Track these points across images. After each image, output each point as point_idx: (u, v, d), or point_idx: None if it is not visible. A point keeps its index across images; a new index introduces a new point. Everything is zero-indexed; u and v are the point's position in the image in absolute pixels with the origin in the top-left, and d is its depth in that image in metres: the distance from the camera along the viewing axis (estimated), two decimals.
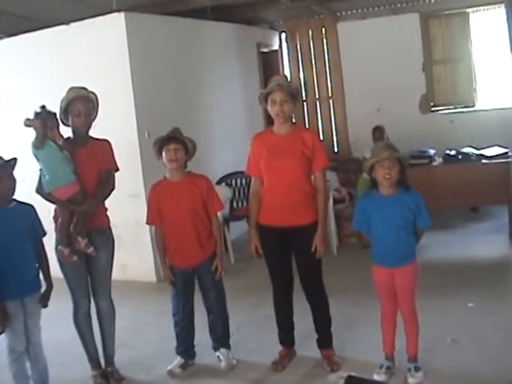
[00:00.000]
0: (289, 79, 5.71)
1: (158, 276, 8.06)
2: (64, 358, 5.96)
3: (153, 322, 6.95)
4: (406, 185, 4.96)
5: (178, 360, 5.72)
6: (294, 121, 5.45)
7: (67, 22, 8.59)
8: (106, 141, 5.51)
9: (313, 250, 5.24)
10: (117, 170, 5.53)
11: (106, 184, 5.39)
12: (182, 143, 5.37)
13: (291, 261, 5.44)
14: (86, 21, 8.39)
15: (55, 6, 9.88)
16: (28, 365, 5.11)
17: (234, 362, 5.70)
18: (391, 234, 4.90)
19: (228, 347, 5.75)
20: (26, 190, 5.05)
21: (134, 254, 7.71)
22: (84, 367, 5.68)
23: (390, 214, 4.90)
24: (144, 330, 6.75)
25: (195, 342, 5.79)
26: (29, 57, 8.99)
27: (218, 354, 5.73)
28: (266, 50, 12.33)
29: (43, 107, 5.16)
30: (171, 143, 5.33)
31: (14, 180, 4.86)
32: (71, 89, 5.38)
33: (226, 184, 9.22)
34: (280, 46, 12.92)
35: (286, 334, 5.66)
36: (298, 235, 5.28)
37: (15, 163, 4.88)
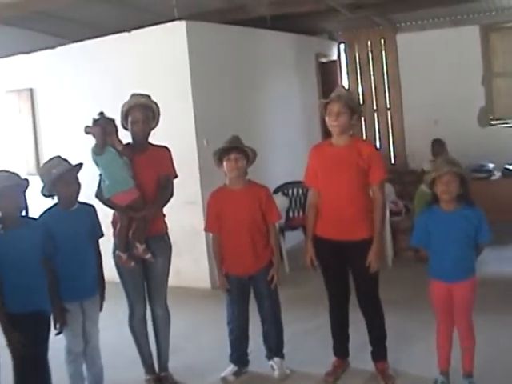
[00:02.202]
0: (351, 92, 5.67)
1: (212, 283, 8.10)
2: (118, 361, 6.00)
3: (207, 328, 6.98)
4: (467, 200, 4.89)
5: (232, 367, 5.73)
6: (352, 132, 5.36)
7: (129, 30, 8.70)
8: (166, 148, 5.56)
9: (367, 265, 5.20)
10: (175, 176, 5.56)
11: (164, 191, 5.43)
12: (242, 152, 5.39)
13: (347, 273, 5.40)
14: (147, 28, 8.51)
15: (116, 14, 10.01)
16: (84, 366, 5.19)
17: (288, 371, 5.68)
18: (452, 249, 4.82)
19: (282, 356, 5.73)
20: (84, 194, 5.11)
21: (189, 261, 7.76)
22: (138, 371, 5.73)
23: (451, 229, 4.83)
24: (198, 337, 6.78)
25: (249, 350, 5.79)
26: (90, 63, 9.16)
27: (271, 363, 5.72)
28: (324, 60, 12.32)
29: (102, 113, 5.23)
30: (232, 153, 5.35)
31: (79, 184, 4.95)
32: (133, 95, 5.44)
33: (283, 193, 9.22)
34: (339, 56, 12.91)
35: (341, 345, 5.62)
36: (352, 249, 5.24)
37: (80, 168, 4.96)
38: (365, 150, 5.26)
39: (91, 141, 5.22)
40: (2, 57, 10.18)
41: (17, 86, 10.06)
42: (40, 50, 9.79)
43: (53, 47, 9.72)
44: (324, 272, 5.47)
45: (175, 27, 8.33)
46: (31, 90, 9.92)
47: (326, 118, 5.25)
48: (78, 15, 10.28)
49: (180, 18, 8.50)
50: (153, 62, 8.44)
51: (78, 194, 4.97)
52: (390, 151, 12.72)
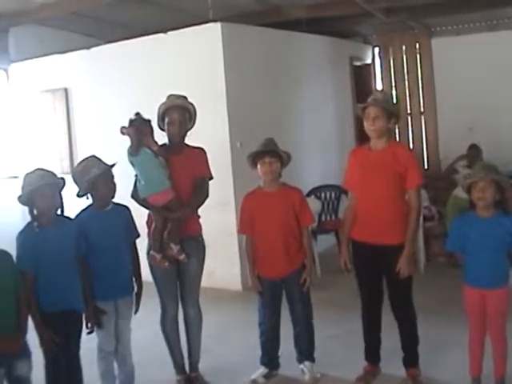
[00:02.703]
0: (388, 95, 5.65)
1: (244, 285, 8.11)
2: (149, 361, 6.02)
3: (238, 330, 6.99)
4: (504, 207, 4.84)
5: (262, 370, 5.72)
6: (391, 137, 5.34)
7: (164, 31, 8.73)
8: (202, 149, 5.57)
9: (397, 270, 5.16)
10: (211, 178, 5.57)
11: (200, 192, 5.44)
12: (277, 156, 5.38)
13: (381, 277, 5.37)
14: (182, 30, 8.55)
15: (151, 15, 10.09)
16: (115, 365, 5.22)
17: (318, 375, 5.66)
18: (487, 256, 4.77)
19: (312, 360, 5.70)
20: (118, 194, 5.14)
21: (221, 262, 7.77)
22: (169, 371, 5.74)
23: (487, 236, 4.78)
24: (229, 338, 6.79)
25: (280, 353, 5.77)
26: (125, 64, 9.21)
27: (302, 366, 5.70)
28: (358, 63, 12.30)
29: (138, 114, 5.25)
30: (266, 156, 5.34)
31: (114, 184, 4.97)
32: (169, 96, 5.46)
33: (316, 197, 9.20)
34: (373, 60, 12.87)
35: (372, 350, 5.59)
36: (387, 253, 5.20)
37: (112, 167, 4.98)
38: (402, 154, 5.24)
39: (125, 140, 5.25)
40: (38, 56, 10.26)
41: (52, 86, 10.14)
42: (75, 50, 9.85)
43: (88, 47, 9.77)
44: (358, 276, 5.44)
45: (210, 29, 8.34)
46: (66, 89, 9.99)
47: (364, 122, 5.24)
48: (112, 16, 10.40)
49: (215, 20, 8.52)
50: (188, 64, 8.47)
51: (114, 193, 5.00)
52: (423, 156, 12.65)
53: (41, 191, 4.52)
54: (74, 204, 4.90)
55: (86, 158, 5.02)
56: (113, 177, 4.97)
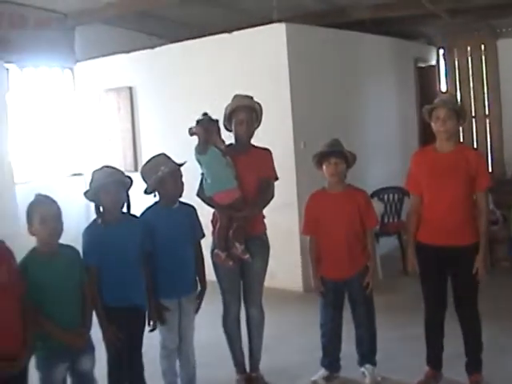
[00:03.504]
0: (454, 97, 5.59)
1: (305, 286, 8.09)
2: (210, 359, 6.02)
3: (299, 331, 6.97)
4: None
5: (323, 372, 5.70)
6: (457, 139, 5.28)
7: (229, 31, 8.76)
8: (267, 150, 5.58)
9: (474, 272, 5.11)
10: (276, 178, 5.58)
11: (265, 192, 5.44)
12: (342, 156, 5.35)
13: (447, 281, 5.31)
14: (247, 30, 8.56)
15: (215, 14, 10.13)
16: (177, 363, 5.24)
17: (379, 378, 5.62)
18: None
19: (374, 363, 5.66)
20: (185, 192, 5.15)
21: (283, 263, 7.74)
22: (229, 370, 5.77)
23: None
24: (290, 339, 6.77)
25: (341, 355, 5.73)
26: (189, 63, 9.28)
27: (363, 369, 5.66)
28: (422, 65, 12.16)
29: (206, 114, 5.28)
30: (332, 157, 5.32)
31: (182, 183, 5.01)
32: (236, 96, 5.48)
33: (378, 199, 9.12)
34: (437, 61, 12.71)
35: (435, 355, 5.51)
36: (456, 256, 5.16)
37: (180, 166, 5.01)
38: (473, 157, 5.21)
39: (189, 139, 5.30)
40: (103, 56, 10.39)
41: (117, 85, 10.26)
42: (139, 49, 9.94)
43: (152, 47, 9.85)
44: (423, 279, 5.39)
45: (275, 29, 8.35)
46: (130, 88, 10.10)
47: (432, 124, 5.19)
48: (177, 15, 10.48)
49: (280, 20, 8.52)
50: (252, 64, 8.49)
51: (182, 192, 5.04)
52: (487, 159, 12.44)
53: (106, 188, 4.58)
54: (141, 202, 4.96)
55: (156, 156, 5.06)
56: (181, 176, 5.01)
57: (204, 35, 9.10)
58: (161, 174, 4.89)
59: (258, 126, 5.51)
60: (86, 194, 4.69)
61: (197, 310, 5.23)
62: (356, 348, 5.71)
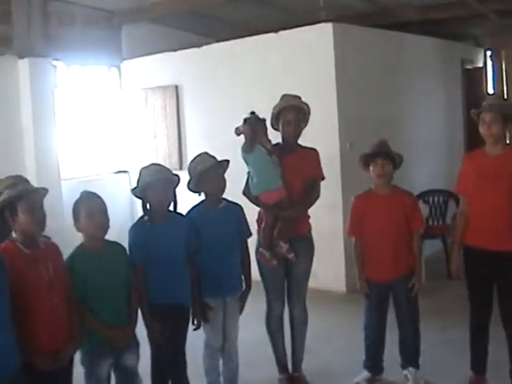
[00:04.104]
0: (502, 100, 5.52)
1: (348, 287, 8.10)
2: (252, 358, 6.03)
3: (341, 332, 6.95)
4: None
5: (365, 373, 5.67)
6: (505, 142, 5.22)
7: (275, 30, 8.77)
8: (314, 150, 5.57)
9: None
10: (323, 178, 5.57)
11: (311, 192, 5.44)
12: (389, 158, 5.32)
13: (493, 285, 5.24)
14: (293, 30, 8.57)
15: (261, 14, 10.15)
16: (220, 362, 5.25)
17: (422, 382, 5.57)
18: None
19: (417, 366, 5.61)
20: (231, 192, 5.18)
21: (326, 264, 7.72)
22: (271, 370, 5.78)
23: None
24: (332, 340, 6.76)
25: (384, 357, 5.70)
26: (235, 63, 9.31)
27: (405, 372, 5.62)
28: (469, 66, 12.05)
29: (253, 113, 5.28)
30: (379, 158, 5.29)
31: (224, 181, 5.01)
32: (284, 96, 5.48)
33: (423, 201, 9.05)
34: (485, 63, 12.59)
35: (479, 361, 5.44)
36: (503, 260, 5.08)
37: (227, 165, 5.03)
38: None
39: (235, 138, 5.32)
40: (150, 54, 10.46)
41: (163, 83, 10.32)
42: (186, 48, 9.99)
43: (198, 46, 9.89)
44: (470, 283, 5.32)
45: (322, 29, 8.34)
46: (177, 86, 10.15)
47: (479, 128, 5.13)
48: (223, 15, 10.51)
49: (326, 20, 8.50)
50: (298, 64, 8.49)
51: (222, 191, 5.03)
52: None
53: (154, 186, 4.60)
54: (188, 200, 4.99)
55: (199, 155, 5.08)
56: (223, 173, 5.02)
57: (250, 35, 9.12)
58: (200, 169, 4.92)
59: (305, 126, 5.50)
60: (133, 190, 4.73)
61: (241, 310, 5.24)
62: (399, 351, 5.67)
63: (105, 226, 4.27)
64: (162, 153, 10.32)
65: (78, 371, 4.28)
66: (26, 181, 4.05)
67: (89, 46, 10.50)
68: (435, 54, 10.74)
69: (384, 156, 5.29)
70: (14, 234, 3.94)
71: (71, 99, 10.61)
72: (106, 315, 4.24)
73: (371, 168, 5.33)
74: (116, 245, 4.45)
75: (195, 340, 5.10)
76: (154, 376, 4.80)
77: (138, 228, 4.74)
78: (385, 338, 5.65)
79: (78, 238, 4.37)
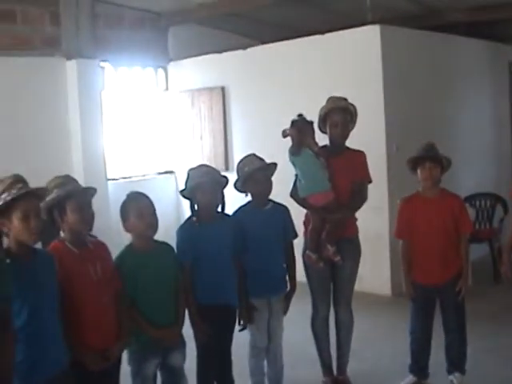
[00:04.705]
0: None
1: (393, 290, 8.07)
2: (297, 360, 6.03)
3: (386, 336, 6.92)
4: None
5: (410, 378, 5.63)
6: None
7: (322, 32, 8.75)
8: (361, 152, 5.55)
9: None
10: (370, 181, 5.54)
11: (359, 195, 5.42)
12: (437, 161, 5.28)
13: None
14: (341, 31, 8.57)
15: (307, 16, 10.12)
16: (265, 363, 5.26)
17: None
18: None
19: (463, 372, 5.55)
20: (278, 193, 5.19)
21: (371, 266, 7.69)
22: (316, 372, 5.77)
23: None
24: (377, 343, 6.73)
25: (429, 362, 5.64)
26: (281, 64, 9.32)
27: (451, 377, 5.56)
28: None
29: (300, 115, 5.28)
30: (427, 161, 5.25)
31: (270, 183, 5.02)
32: (331, 98, 5.47)
33: (470, 205, 8.98)
34: None
35: None
36: None
37: (275, 168, 5.04)
38: None
39: (281, 140, 5.31)
40: (196, 55, 10.51)
41: (209, 84, 10.37)
42: (231, 49, 10.03)
43: (244, 48, 9.91)
44: None
45: (369, 31, 8.31)
46: (223, 88, 10.19)
47: None
48: (269, 17, 10.51)
49: (373, 22, 8.46)
50: (345, 66, 8.48)
51: (268, 193, 5.05)
52: None
53: (202, 187, 4.62)
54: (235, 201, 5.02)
55: (247, 156, 5.09)
56: (269, 176, 5.03)
57: (295, 36, 9.12)
58: (247, 170, 4.94)
59: (353, 128, 5.48)
60: (182, 192, 4.76)
61: (286, 311, 5.25)
62: (445, 355, 5.61)
63: (154, 225, 4.29)
64: (207, 154, 10.37)
65: (125, 370, 4.32)
66: (75, 180, 4.10)
67: (136, 47, 10.59)
68: (483, 57, 10.63)
69: (432, 159, 5.25)
70: (62, 234, 3.99)
71: (118, 100, 10.71)
72: (153, 315, 4.27)
73: (419, 171, 5.29)
74: (164, 245, 4.47)
75: (241, 340, 5.12)
76: (199, 376, 4.83)
77: (186, 229, 4.76)
78: (431, 343, 5.59)
79: (123, 238, 4.42)
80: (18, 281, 3.41)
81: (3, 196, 3.47)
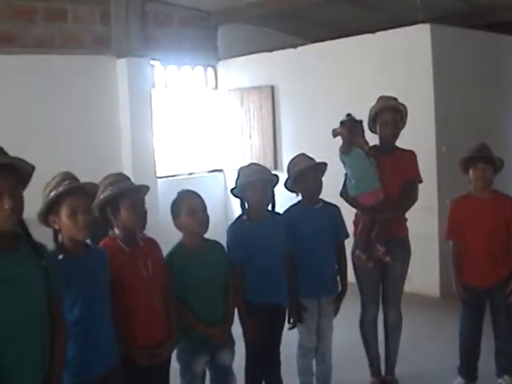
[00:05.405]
0: None
1: (442, 291, 8.00)
2: (345, 360, 5.99)
3: (434, 337, 6.85)
4: None
5: (459, 380, 5.58)
6: None
7: (372, 31, 8.71)
8: (412, 152, 5.53)
9: None
10: (420, 181, 5.51)
11: (409, 194, 5.40)
12: (490, 161, 5.22)
13: None
14: (391, 30, 8.51)
15: (356, 15, 10.09)
16: (314, 362, 5.26)
17: None
18: None
19: None
20: (328, 192, 5.18)
21: (420, 267, 7.56)
22: (363, 372, 5.75)
23: None
24: (425, 345, 6.66)
25: (478, 364, 5.58)
26: (331, 63, 9.31)
27: (500, 380, 5.51)
28: None
29: (349, 115, 5.28)
30: (479, 162, 5.20)
31: (320, 183, 5.02)
32: (381, 98, 5.46)
33: None
34: None
35: None
36: None
37: (325, 167, 5.03)
38: None
39: (331, 139, 5.32)
40: (245, 54, 10.56)
41: (259, 83, 10.41)
42: (280, 48, 10.05)
43: (293, 46, 9.91)
44: None
45: (420, 30, 8.26)
46: (272, 87, 10.22)
47: None
48: (318, 16, 10.50)
49: (423, 21, 8.40)
50: (395, 65, 8.43)
51: (318, 192, 5.04)
52: None
53: (253, 186, 4.63)
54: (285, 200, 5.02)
55: (297, 156, 5.09)
56: (319, 175, 5.02)
57: (344, 35, 9.11)
58: (297, 169, 4.94)
59: (403, 127, 5.46)
60: (232, 190, 4.77)
61: (336, 311, 5.24)
62: (495, 358, 5.55)
63: (206, 223, 4.31)
64: (256, 152, 10.42)
65: (175, 368, 4.34)
66: (128, 178, 4.13)
67: (185, 46, 10.67)
68: None
69: (484, 160, 5.20)
70: (116, 231, 4.02)
71: (168, 99, 10.78)
72: (203, 313, 4.28)
73: (471, 172, 5.24)
74: (215, 243, 4.50)
75: (289, 340, 5.12)
76: (248, 374, 4.85)
77: (236, 227, 4.78)
78: (480, 345, 5.53)
79: (172, 236, 4.44)
80: (71, 276, 3.48)
81: (52, 193, 3.53)
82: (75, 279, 3.52)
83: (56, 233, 3.59)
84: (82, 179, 3.68)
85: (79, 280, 3.54)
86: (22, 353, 2.99)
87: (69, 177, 3.61)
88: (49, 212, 3.54)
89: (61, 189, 3.49)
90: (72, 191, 3.51)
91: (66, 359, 3.31)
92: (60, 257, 3.52)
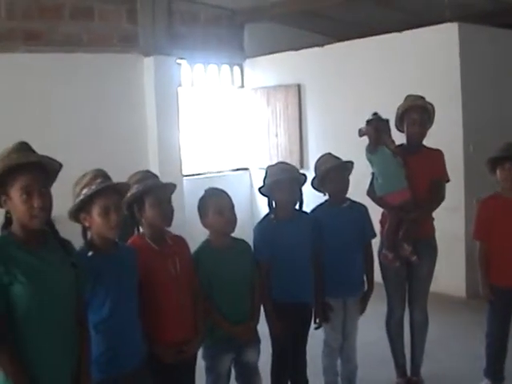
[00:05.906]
0: None
1: (468, 292, 7.96)
2: (370, 360, 5.99)
3: (461, 338, 6.82)
4: None
5: (485, 382, 5.52)
6: None
7: (399, 30, 8.68)
8: (439, 151, 5.49)
9: None
10: (448, 180, 5.48)
11: (437, 194, 5.37)
12: None
13: None
14: (418, 29, 8.48)
15: (383, 14, 10.06)
16: (339, 362, 5.24)
17: None
18: None
19: None
20: (355, 191, 5.17)
21: (446, 267, 7.54)
22: (389, 372, 5.73)
23: None
24: (451, 346, 6.63)
25: (505, 366, 5.53)
26: (358, 62, 9.28)
27: None
28: None
29: (375, 114, 5.27)
30: (507, 162, 5.15)
31: (347, 182, 5.00)
32: (408, 97, 5.44)
33: None
34: None
35: None
36: None
37: (351, 166, 5.01)
38: None
39: (357, 138, 5.31)
40: (271, 53, 10.56)
41: (285, 82, 10.40)
42: (306, 47, 10.03)
43: (320, 45, 9.89)
44: None
45: (447, 29, 8.20)
46: (299, 85, 10.20)
47: None
48: (344, 15, 10.47)
49: (450, 20, 8.35)
50: (422, 64, 8.37)
51: (345, 192, 5.02)
52: None
53: (281, 184, 4.62)
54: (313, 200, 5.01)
55: (324, 154, 5.08)
56: (346, 174, 5.00)
57: (371, 34, 9.06)
58: (323, 168, 4.93)
59: (430, 127, 5.44)
60: (260, 189, 4.77)
61: (362, 311, 5.22)
62: None
63: (233, 221, 4.31)
64: (282, 151, 10.41)
65: (200, 365, 4.35)
66: (155, 176, 4.14)
67: (211, 44, 10.69)
68: None
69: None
70: (141, 229, 4.05)
71: (194, 97, 10.81)
72: (229, 311, 4.29)
73: (498, 172, 5.20)
74: (242, 242, 4.50)
75: (315, 339, 5.12)
76: (273, 373, 4.84)
77: (264, 226, 4.77)
78: (507, 347, 5.49)
79: (198, 234, 4.45)
80: (100, 273, 3.51)
81: (84, 191, 3.54)
82: (104, 276, 3.55)
83: (85, 229, 3.61)
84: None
85: (108, 277, 3.57)
86: (50, 346, 3.03)
87: (100, 174, 3.62)
88: (80, 210, 3.56)
89: (93, 188, 3.51)
90: (105, 190, 3.52)
91: (94, 356, 3.34)
92: (89, 254, 3.55)
